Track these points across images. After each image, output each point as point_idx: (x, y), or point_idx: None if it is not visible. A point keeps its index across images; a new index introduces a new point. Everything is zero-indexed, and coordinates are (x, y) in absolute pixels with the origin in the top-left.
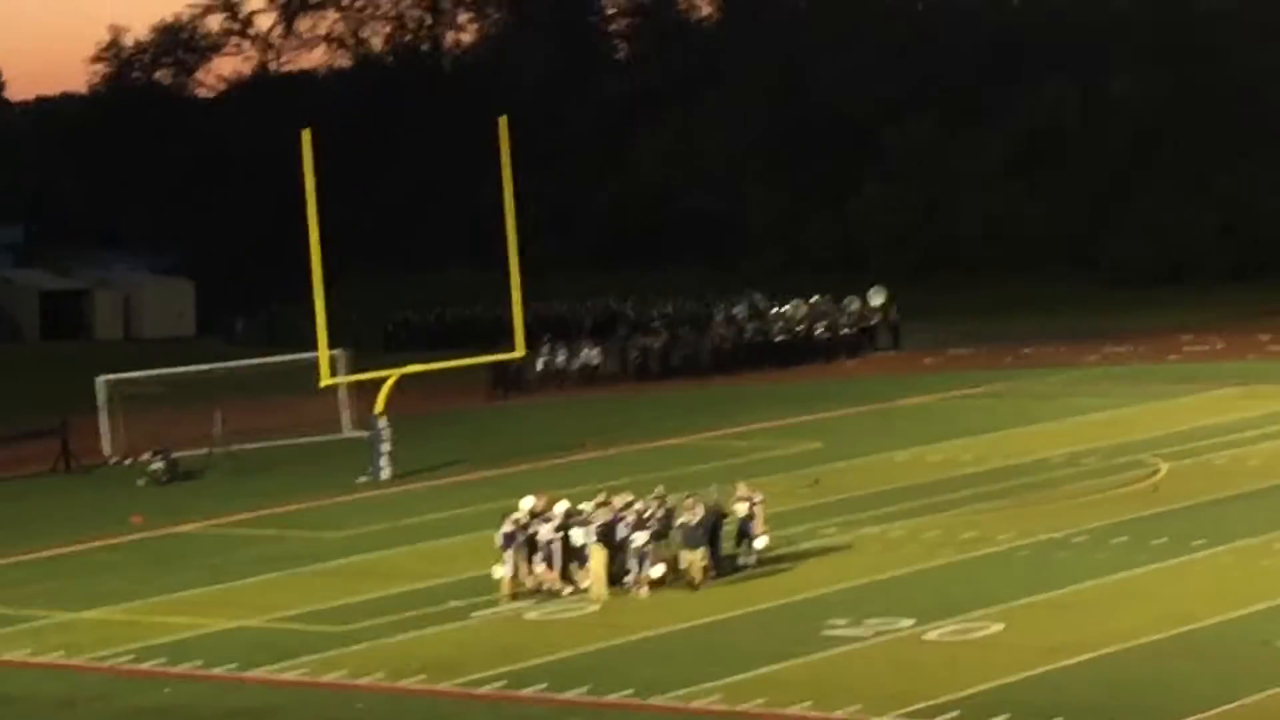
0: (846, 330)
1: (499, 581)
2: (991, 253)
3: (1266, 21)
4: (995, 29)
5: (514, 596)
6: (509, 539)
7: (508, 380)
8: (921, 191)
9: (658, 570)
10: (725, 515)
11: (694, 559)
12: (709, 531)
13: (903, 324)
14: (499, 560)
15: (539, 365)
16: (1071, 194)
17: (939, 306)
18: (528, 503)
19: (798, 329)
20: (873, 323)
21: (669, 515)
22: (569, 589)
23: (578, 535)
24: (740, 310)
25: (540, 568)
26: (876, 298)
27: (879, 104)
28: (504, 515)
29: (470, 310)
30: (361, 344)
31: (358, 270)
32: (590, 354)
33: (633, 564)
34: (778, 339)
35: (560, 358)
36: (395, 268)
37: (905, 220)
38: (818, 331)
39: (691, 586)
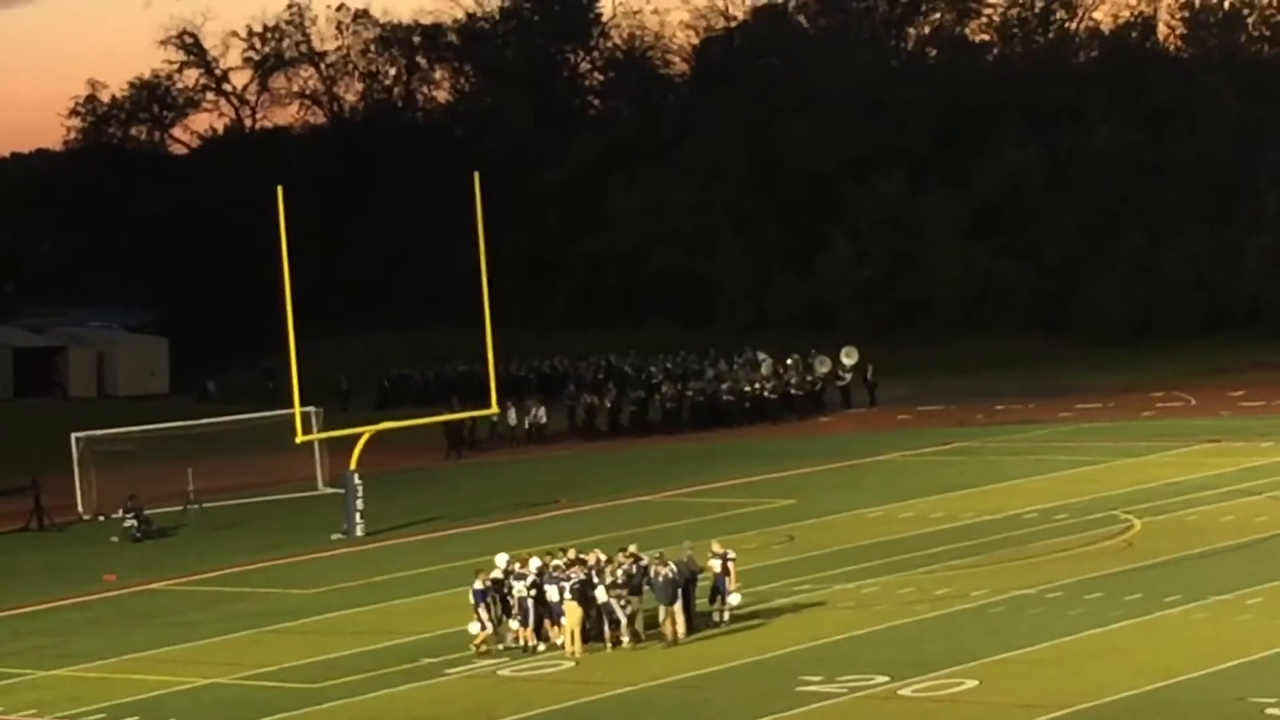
0: (795, 391)
1: (473, 638)
2: (961, 310)
3: (1234, 79)
4: (964, 87)
5: (485, 654)
6: (480, 595)
7: (460, 440)
8: (891, 249)
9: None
10: (699, 571)
11: (667, 615)
12: (682, 588)
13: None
14: (473, 617)
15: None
16: (1041, 251)
17: (909, 364)
18: (502, 559)
19: (751, 389)
20: (845, 382)
21: (643, 572)
22: (542, 646)
23: (553, 592)
24: (739, 366)
25: (514, 624)
26: (848, 358)
27: (848, 162)
28: (477, 572)
29: (470, 366)
30: (352, 399)
31: (333, 328)
32: (538, 412)
33: (608, 621)
34: (725, 399)
35: (510, 416)
36: (372, 325)
37: (875, 278)
38: (766, 392)
39: (667, 643)
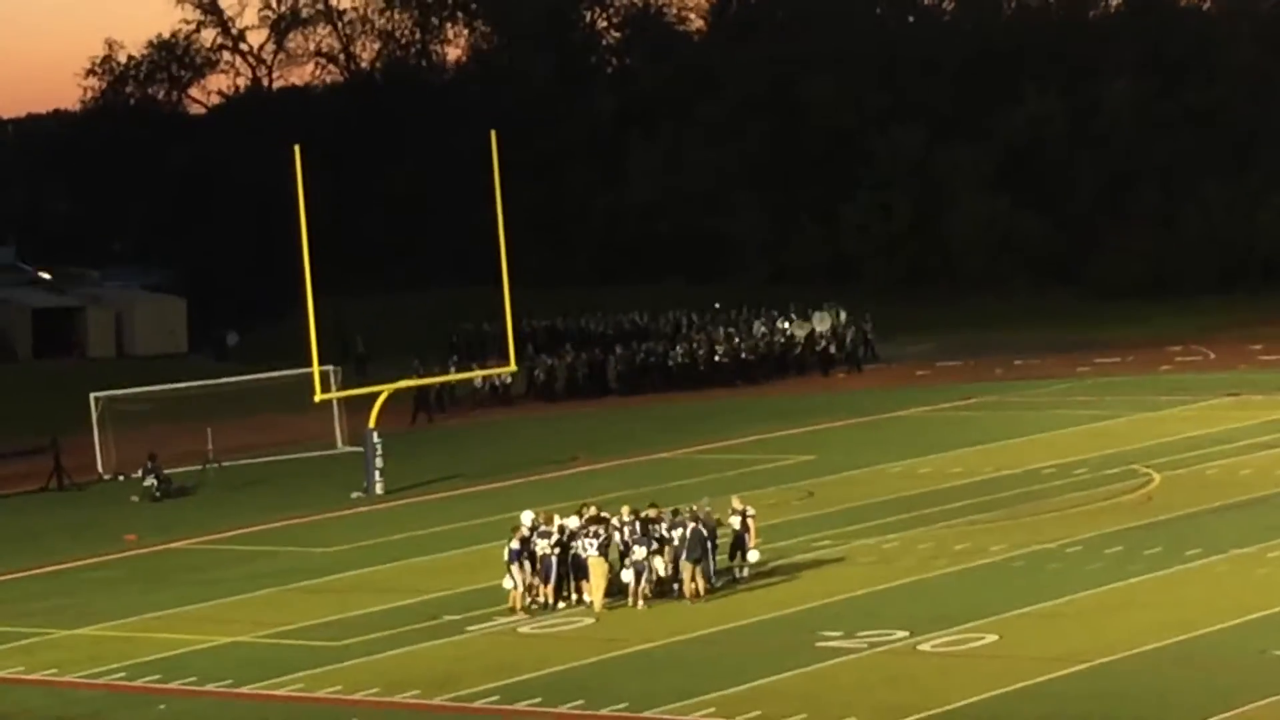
0: (745, 355)
1: (508, 594)
2: (980, 265)
3: (1254, 33)
4: (984, 42)
5: (520, 609)
6: (515, 554)
7: (427, 403)
8: (911, 203)
9: (646, 576)
10: (718, 527)
11: (689, 572)
12: (703, 544)
13: (888, 338)
14: (506, 573)
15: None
16: (1060, 205)
17: (928, 318)
18: (528, 517)
19: (701, 349)
20: (820, 346)
21: (664, 528)
22: (562, 604)
23: (579, 548)
24: (820, 320)
25: (535, 581)
26: (821, 322)
27: (868, 117)
28: (513, 530)
29: (549, 321)
30: (370, 361)
31: (351, 287)
32: (502, 374)
33: (629, 577)
34: (677, 361)
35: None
36: (390, 284)
37: (894, 232)
38: (717, 356)
39: (691, 598)
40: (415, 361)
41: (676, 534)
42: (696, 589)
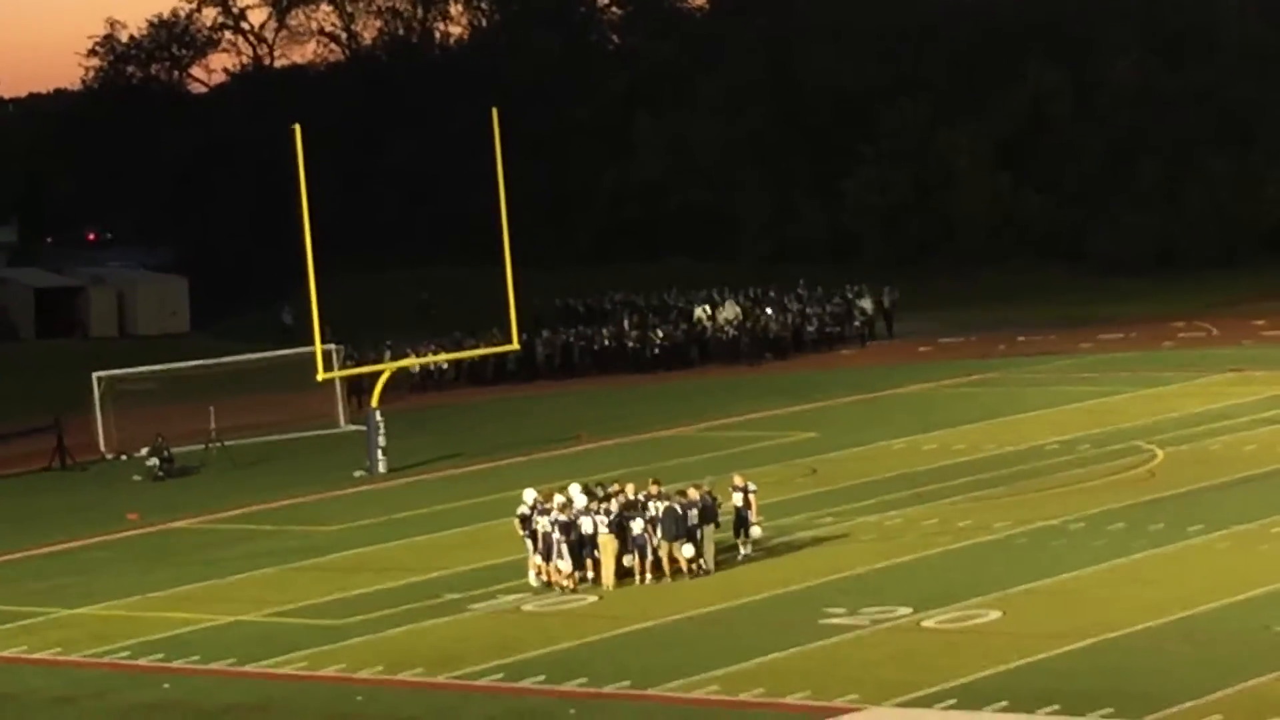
0: (662, 342)
1: (562, 574)
2: (983, 240)
3: (1258, 7)
4: (986, 16)
5: (570, 590)
6: (565, 529)
7: (362, 389)
8: (913, 179)
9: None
10: (718, 505)
11: (682, 549)
12: (678, 522)
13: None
14: (559, 555)
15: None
16: (1063, 181)
17: (931, 295)
18: (530, 495)
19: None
20: (726, 336)
21: (663, 505)
22: (566, 580)
23: (587, 525)
24: (728, 308)
25: (537, 559)
26: (729, 310)
27: (871, 92)
28: (544, 511)
29: (626, 295)
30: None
31: (353, 266)
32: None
33: (634, 553)
34: (603, 345)
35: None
36: (392, 263)
37: (897, 208)
38: (630, 342)
39: (673, 576)
40: (348, 346)
41: (668, 511)
42: (679, 566)
